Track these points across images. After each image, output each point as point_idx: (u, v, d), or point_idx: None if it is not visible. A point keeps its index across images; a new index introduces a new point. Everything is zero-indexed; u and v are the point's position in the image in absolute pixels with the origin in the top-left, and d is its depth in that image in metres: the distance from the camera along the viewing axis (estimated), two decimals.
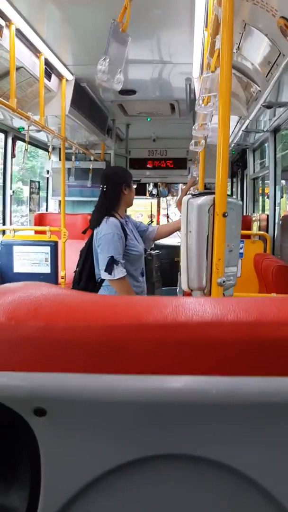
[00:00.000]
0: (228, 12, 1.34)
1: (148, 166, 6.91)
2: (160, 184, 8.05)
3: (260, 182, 5.68)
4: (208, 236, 1.44)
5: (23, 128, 3.81)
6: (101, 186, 2.70)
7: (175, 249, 5.39)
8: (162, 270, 5.68)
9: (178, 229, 2.69)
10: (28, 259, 3.80)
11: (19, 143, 4.66)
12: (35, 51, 3.26)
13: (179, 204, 3.20)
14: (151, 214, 8.16)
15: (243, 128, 4.27)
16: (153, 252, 5.44)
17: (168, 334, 0.57)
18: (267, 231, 4.53)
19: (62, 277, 3.96)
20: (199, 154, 3.60)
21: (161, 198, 8.41)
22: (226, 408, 0.52)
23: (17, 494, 0.58)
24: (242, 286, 3.63)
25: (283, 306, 0.60)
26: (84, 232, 2.93)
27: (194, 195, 1.48)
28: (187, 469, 0.54)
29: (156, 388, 0.52)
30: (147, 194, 7.88)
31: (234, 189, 7.61)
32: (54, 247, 3.82)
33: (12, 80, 2.87)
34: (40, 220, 4.87)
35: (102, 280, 2.54)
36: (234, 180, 7.50)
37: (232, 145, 5.40)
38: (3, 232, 4.13)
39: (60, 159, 4.61)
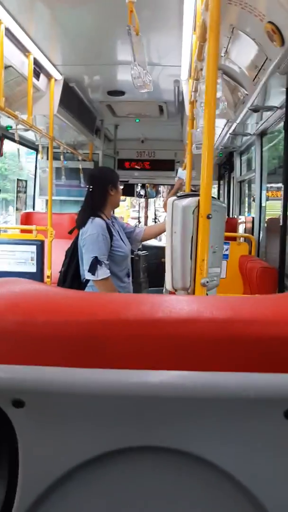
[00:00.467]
0: (215, 16, 1.36)
1: (136, 167, 6.93)
2: (148, 185, 8.08)
3: (247, 185, 5.73)
4: (193, 237, 1.46)
5: (11, 127, 3.81)
6: (87, 186, 2.71)
7: (163, 250, 5.40)
8: (149, 270, 5.70)
9: (165, 231, 2.71)
10: (14, 258, 3.77)
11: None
12: (24, 50, 3.26)
13: (165, 206, 3.22)
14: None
15: (230, 131, 4.30)
16: (140, 253, 5.46)
17: (146, 330, 0.58)
18: (252, 234, 4.57)
19: (48, 276, 3.95)
20: (187, 156, 3.62)
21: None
22: (201, 403, 0.53)
23: None
24: (227, 287, 3.67)
25: (255, 305, 0.62)
26: (70, 232, 2.93)
27: (179, 197, 1.50)
28: (163, 461, 0.55)
29: (132, 382, 0.54)
30: (135, 195, 7.91)
31: (221, 192, 7.66)
32: (40, 246, 3.80)
33: (0, 79, 2.87)
34: (27, 219, 4.86)
35: (88, 280, 2.55)
36: (221, 182, 7.56)
37: (220, 148, 5.44)
38: None
39: (48, 159, 4.61)
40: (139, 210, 9.31)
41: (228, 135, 4.52)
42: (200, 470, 0.55)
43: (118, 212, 10.78)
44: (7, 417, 0.56)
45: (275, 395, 0.53)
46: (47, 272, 3.95)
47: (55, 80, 3.91)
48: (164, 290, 4.40)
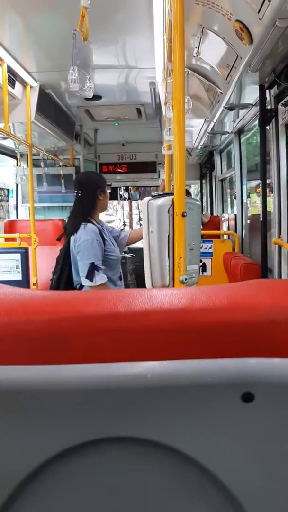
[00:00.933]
0: (179, 16, 1.37)
1: (118, 170, 6.95)
2: (131, 187, 8.10)
3: (228, 183, 5.78)
4: (169, 236, 1.48)
5: None
6: (76, 192, 2.67)
7: None
8: (136, 272, 5.73)
9: None
10: None
11: None
12: None
13: None
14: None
15: (208, 130, 4.34)
16: (127, 255, 5.49)
17: (106, 324, 0.60)
18: (235, 231, 4.61)
19: (34, 284, 3.95)
20: (165, 157, 3.64)
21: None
22: (161, 391, 0.54)
23: None
24: (211, 284, 3.69)
25: (211, 294, 0.64)
26: (59, 239, 2.91)
27: (153, 196, 1.52)
28: (128, 451, 0.57)
29: (92, 376, 0.55)
30: (119, 198, 7.93)
31: (203, 191, 7.70)
32: (24, 253, 3.80)
33: None
34: (10, 227, 4.84)
35: (82, 286, 2.53)
36: (203, 181, 7.60)
37: (199, 147, 5.48)
38: None
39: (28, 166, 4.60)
40: (112, 214, 9.33)
41: (206, 134, 4.55)
42: (165, 457, 0.56)
43: None
44: None
45: (231, 379, 0.54)
46: (32, 279, 3.95)
47: (31, 87, 3.91)
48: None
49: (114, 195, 7.62)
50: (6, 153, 5.45)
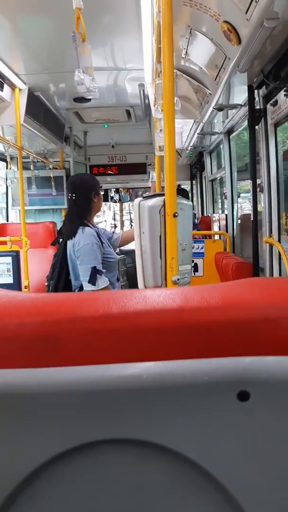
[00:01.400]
0: (167, 17, 1.38)
1: (108, 172, 6.94)
2: (121, 189, 8.10)
3: (219, 183, 5.80)
4: (161, 236, 1.48)
5: None
6: (70, 195, 2.62)
7: None
8: (128, 274, 5.73)
9: None
10: None
11: None
12: None
13: None
14: None
15: (198, 131, 4.35)
16: (119, 257, 5.48)
17: (100, 325, 0.59)
18: (226, 231, 4.63)
19: (25, 287, 3.93)
20: (156, 158, 3.65)
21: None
22: (158, 392, 0.54)
23: None
24: (204, 284, 3.70)
25: (205, 293, 0.64)
26: (53, 244, 2.88)
27: (144, 197, 1.52)
28: (126, 453, 0.56)
29: (88, 378, 0.55)
30: (109, 199, 7.93)
31: (194, 191, 7.73)
32: (15, 256, 3.78)
33: None
34: (1, 230, 4.82)
35: (80, 291, 2.50)
36: (194, 182, 7.62)
37: (189, 148, 5.49)
38: None
39: (17, 169, 4.59)
40: (99, 215, 9.34)
41: (196, 135, 4.56)
42: (162, 458, 0.56)
43: None
44: None
45: (227, 378, 0.54)
46: (24, 282, 3.93)
47: (20, 89, 3.90)
48: None
49: (104, 197, 7.61)
50: None
